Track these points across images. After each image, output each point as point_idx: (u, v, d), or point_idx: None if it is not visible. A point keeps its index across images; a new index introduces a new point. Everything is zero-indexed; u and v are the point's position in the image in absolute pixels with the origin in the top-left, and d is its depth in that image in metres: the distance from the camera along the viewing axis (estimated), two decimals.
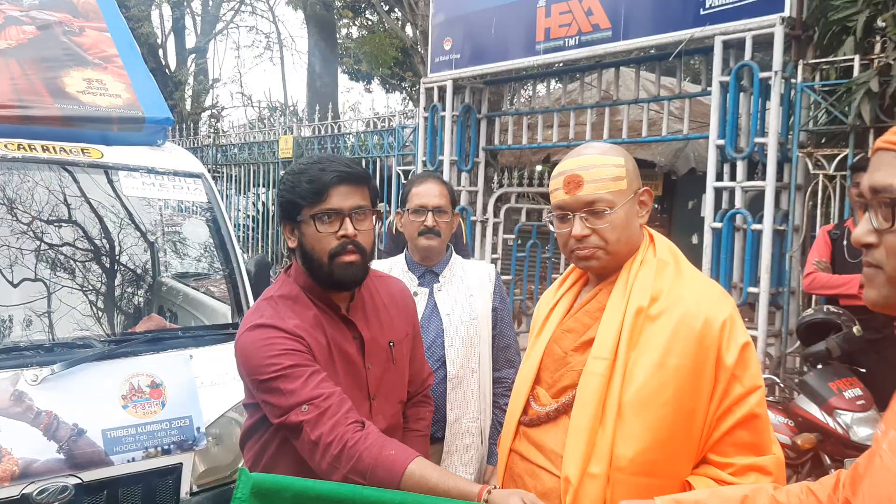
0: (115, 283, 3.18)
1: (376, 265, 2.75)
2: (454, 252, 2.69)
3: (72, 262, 3.06)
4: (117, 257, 3.23)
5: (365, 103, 16.21)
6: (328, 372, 1.76)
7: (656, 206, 11.96)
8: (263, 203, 10.69)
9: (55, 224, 3.10)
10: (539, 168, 10.91)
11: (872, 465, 1.11)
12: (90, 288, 3.07)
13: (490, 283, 2.61)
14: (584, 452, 1.58)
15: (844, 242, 4.37)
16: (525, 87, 7.29)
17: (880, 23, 4.62)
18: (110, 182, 3.20)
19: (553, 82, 7.41)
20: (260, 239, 10.77)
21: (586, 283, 1.83)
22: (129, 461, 2.62)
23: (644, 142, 6.77)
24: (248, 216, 11.16)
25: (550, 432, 1.70)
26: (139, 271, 3.29)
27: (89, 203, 3.15)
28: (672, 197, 11.58)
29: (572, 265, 1.85)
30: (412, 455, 1.59)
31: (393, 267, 2.65)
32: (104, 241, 3.24)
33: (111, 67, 3.38)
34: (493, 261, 7.54)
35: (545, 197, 10.75)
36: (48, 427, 2.48)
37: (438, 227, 2.52)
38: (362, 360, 1.86)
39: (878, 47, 4.62)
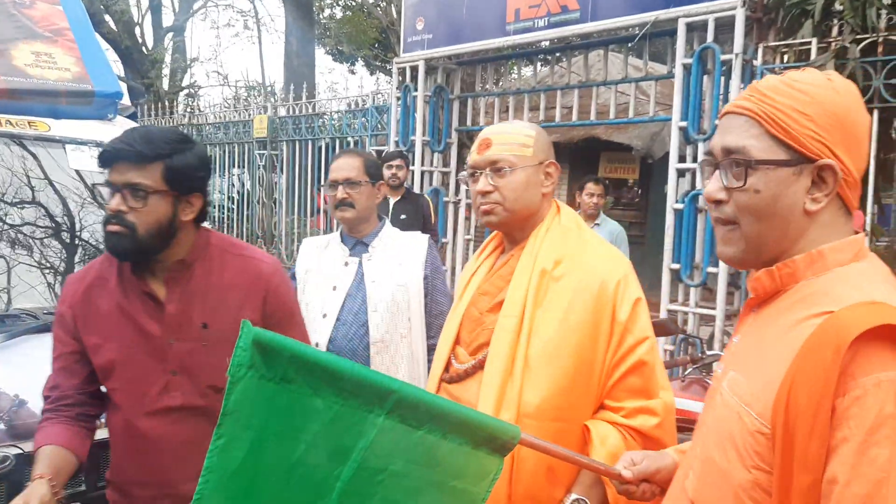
0: (61, 256, 3.19)
1: (315, 239, 2.81)
2: (388, 224, 2.78)
3: (16, 233, 3.07)
4: (63, 230, 3.24)
5: (346, 84, 16.20)
6: (110, 337, 1.84)
7: (636, 189, 12.02)
8: (242, 183, 10.67)
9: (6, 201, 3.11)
10: None
11: (713, 402, 1.21)
12: (34, 259, 3.08)
13: (422, 253, 2.68)
14: (496, 401, 1.72)
15: None
16: (498, 69, 7.28)
17: (838, 6, 4.66)
18: (59, 155, 3.20)
19: (531, 63, 7.40)
20: (236, 220, 10.76)
21: (503, 251, 1.97)
22: None
23: (612, 123, 6.81)
24: (226, 197, 11.13)
25: (468, 386, 1.82)
26: (86, 244, 3.30)
27: (34, 176, 3.15)
28: (648, 180, 11.63)
29: (491, 235, 2.02)
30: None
31: (331, 240, 2.75)
32: (50, 213, 3.24)
33: (61, 41, 3.37)
34: (466, 241, 7.58)
35: None
36: None
37: (351, 199, 2.64)
38: (162, 334, 1.86)
39: (835, 30, 4.67)
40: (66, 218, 3.31)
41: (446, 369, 1.92)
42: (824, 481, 0.96)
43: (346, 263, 2.64)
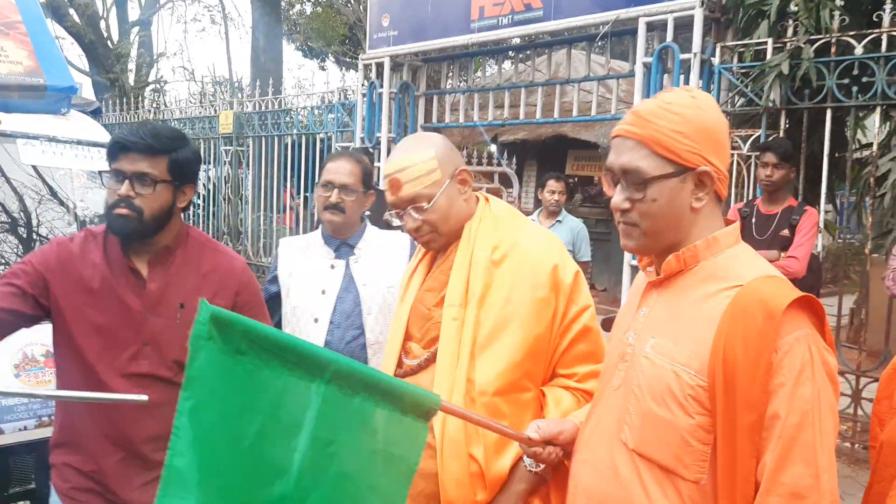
0: (17, 251, 3.15)
1: (294, 239, 2.79)
2: (369, 224, 2.75)
3: None
4: (19, 224, 3.21)
5: (315, 80, 16.09)
6: (93, 305, 2.02)
7: (598, 185, 12.13)
8: (210, 179, 10.58)
9: None
10: (493, 147, 10.99)
11: (638, 365, 1.42)
12: None
13: (405, 252, 2.67)
14: (448, 386, 1.78)
15: (753, 219, 4.54)
16: (463, 66, 7.32)
17: (793, 7, 4.76)
18: (12, 150, 3.16)
19: (497, 61, 7.43)
20: (202, 216, 10.67)
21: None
22: (20, 430, 2.62)
23: (576, 121, 6.87)
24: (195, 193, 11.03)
25: (423, 377, 1.87)
26: (43, 239, 3.27)
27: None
28: None
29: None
30: None
31: (311, 242, 2.70)
32: (6, 208, 3.21)
33: (14, 34, 3.33)
34: None
35: (487, 176, 10.83)
36: None
37: (343, 204, 2.58)
38: (141, 307, 2.06)
39: (790, 31, 4.76)
40: (21, 213, 3.27)
41: (399, 365, 1.96)
42: (767, 416, 1.24)
43: (333, 266, 2.62)
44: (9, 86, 3.20)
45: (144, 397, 1.75)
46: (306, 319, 2.58)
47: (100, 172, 2.00)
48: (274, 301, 2.69)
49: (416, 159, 1.86)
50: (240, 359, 1.41)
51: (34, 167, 3.28)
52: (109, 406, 2.04)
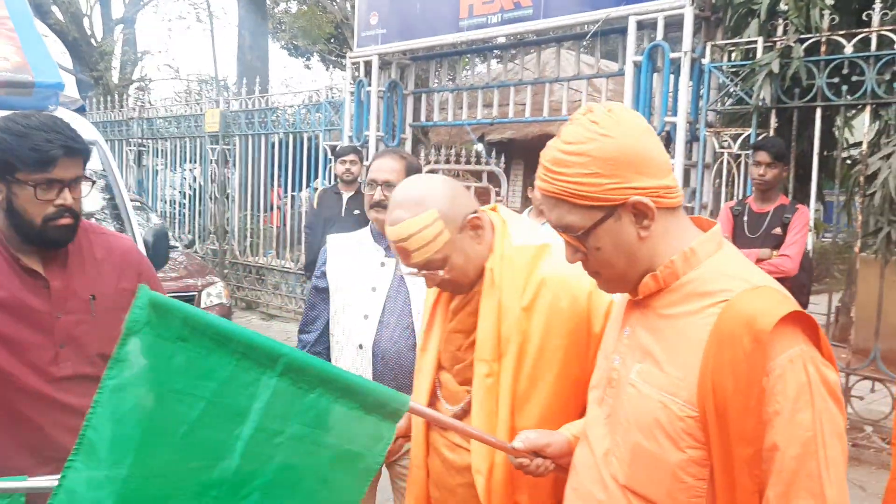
0: None
1: (344, 237, 2.77)
2: None
3: None
4: None
5: (301, 79, 16.03)
6: None
7: None
8: (194, 178, 10.50)
9: None
10: (480, 146, 10.97)
11: (624, 393, 1.31)
12: None
13: None
14: (488, 447, 1.69)
15: (745, 218, 4.55)
16: (452, 65, 7.30)
17: (783, 6, 4.77)
18: None
19: (485, 60, 7.42)
20: (188, 216, 10.59)
21: None
22: None
23: (564, 120, 6.86)
24: (178, 192, 10.95)
25: (465, 419, 1.80)
26: None
27: None
28: None
29: None
30: None
31: (362, 239, 2.68)
32: None
33: (1, 30, 3.27)
34: None
35: (475, 174, 10.83)
36: None
37: (388, 201, 2.55)
38: (49, 309, 1.93)
39: (780, 30, 4.78)
40: None
41: (431, 404, 1.89)
42: (765, 449, 1.13)
43: (383, 264, 2.59)
44: None
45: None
46: (356, 317, 2.55)
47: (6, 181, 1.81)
48: (320, 297, 2.69)
49: (419, 225, 1.73)
50: (182, 345, 1.38)
51: None
52: (35, 417, 1.90)
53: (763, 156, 4.35)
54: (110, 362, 1.35)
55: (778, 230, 4.35)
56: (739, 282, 1.21)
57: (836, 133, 5.07)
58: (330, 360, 2.71)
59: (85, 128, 3.50)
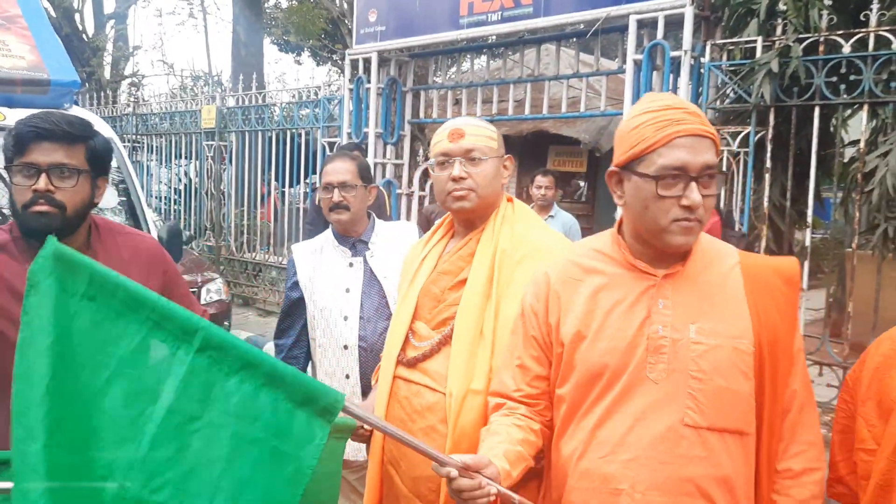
0: None
1: (306, 244, 2.81)
2: (377, 219, 2.80)
3: None
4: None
5: (293, 74, 15.94)
6: (16, 309, 1.75)
7: (585, 182, 12.22)
8: (187, 175, 10.49)
9: None
10: None
11: (692, 354, 1.50)
12: None
13: (416, 240, 2.71)
14: (466, 371, 1.80)
15: None
16: (451, 62, 7.33)
17: (782, 6, 4.84)
18: None
19: (482, 58, 7.47)
20: (183, 211, 10.57)
21: (453, 236, 2.09)
22: None
23: (563, 118, 6.92)
24: (171, 188, 10.93)
25: (435, 360, 1.91)
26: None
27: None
28: (596, 173, 11.83)
29: (438, 223, 2.15)
30: None
31: (324, 244, 2.74)
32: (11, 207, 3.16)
33: (15, 28, 3.29)
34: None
35: None
36: None
37: (346, 202, 2.64)
38: None
39: (779, 29, 4.85)
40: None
41: (405, 344, 1.97)
42: (795, 351, 1.55)
43: (351, 264, 2.67)
44: (13, 80, 3.17)
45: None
46: (335, 318, 2.61)
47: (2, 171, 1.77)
48: (296, 306, 2.73)
49: (482, 124, 2.00)
50: (88, 304, 1.25)
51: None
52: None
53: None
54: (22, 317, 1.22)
55: None
56: (728, 248, 1.62)
57: (835, 131, 5.15)
58: (309, 362, 2.78)
59: (98, 125, 3.52)
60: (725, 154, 5.10)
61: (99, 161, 1.91)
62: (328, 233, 2.78)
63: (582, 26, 5.96)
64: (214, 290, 6.94)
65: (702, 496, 1.48)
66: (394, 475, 1.94)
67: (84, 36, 15.51)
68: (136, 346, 1.26)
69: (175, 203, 10.79)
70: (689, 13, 5.11)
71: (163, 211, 10.84)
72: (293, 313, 2.77)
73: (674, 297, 1.53)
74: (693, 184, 1.47)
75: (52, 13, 14.48)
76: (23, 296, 1.66)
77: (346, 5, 9.89)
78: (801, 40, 4.73)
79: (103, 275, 1.27)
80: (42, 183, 1.80)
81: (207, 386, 1.28)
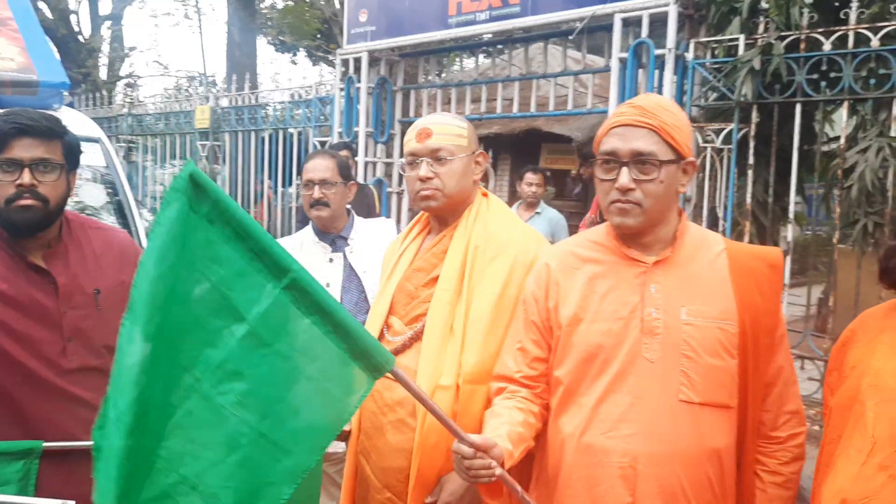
0: None
1: (288, 240, 2.88)
2: (356, 216, 2.87)
3: None
4: None
5: (288, 74, 16.00)
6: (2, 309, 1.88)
7: (577, 180, 12.28)
8: None
9: None
10: None
11: (683, 334, 1.66)
12: None
13: (394, 236, 2.79)
14: (435, 367, 1.86)
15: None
16: (440, 62, 7.40)
17: (764, 4, 4.91)
18: None
19: (473, 56, 7.54)
20: None
21: (429, 232, 2.13)
22: None
23: (552, 115, 6.98)
24: (167, 188, 10.98)
25: (407, 355, 1.97)
26: None
27: None
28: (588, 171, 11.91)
29: (415, 218, 2.20)
30: None
31: (304, 240, 2.82)
32: None
33: (5, 31, 3.35)
34: None
35: None
36: None
37: (326, 199, 2.73)
38: (56, 305, 1.98)
39: (761, 27, 4.91)
40: None
41: (380, 339, 2.04)
42: (777, 336, 1.71)
43: (331, 260, 2.75)
44: (2, 82, 3.23)
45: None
46: None
47: None
48: None
49: (450, 121, 2.03)
50: (205, 224, 1.41)
51: None
52: (42, 406, 1.96)
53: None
54: (154, 227, 1.39)
55: None
56: (715, 237, 1.76)
57: (817, 128, 5.22)
58: None
59: (87, 125, 3.60)
60: (709, 151, 5.16)
61: (73, 156, 2.00)
62: (308, 229, 2.86)
63: (570, 24, 6.02)
64: None
65: (696, 468, 1.63)
66: (365, 466, 2.00)
67: (80, 37, 15.58)
68: (236, 271, 1.43)
69: None
70: (672, 11, 5.18)
71: (158, 211, 10.88)
72: None
73: (664, 282, 1.68)
74: (624, 168, 1.63)
75: (49, 14, 14.55)
76: (20, 287, 1.90)
77: (338, 5, 9.94)
78: (782, 38, 4.79)
79: (225, 203, 1.42)
80: (27, 178, 1.86)
81: (284, 320, 1.44)
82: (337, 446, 2.54)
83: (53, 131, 1.93)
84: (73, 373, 2.00)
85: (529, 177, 5.97)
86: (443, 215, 2.05)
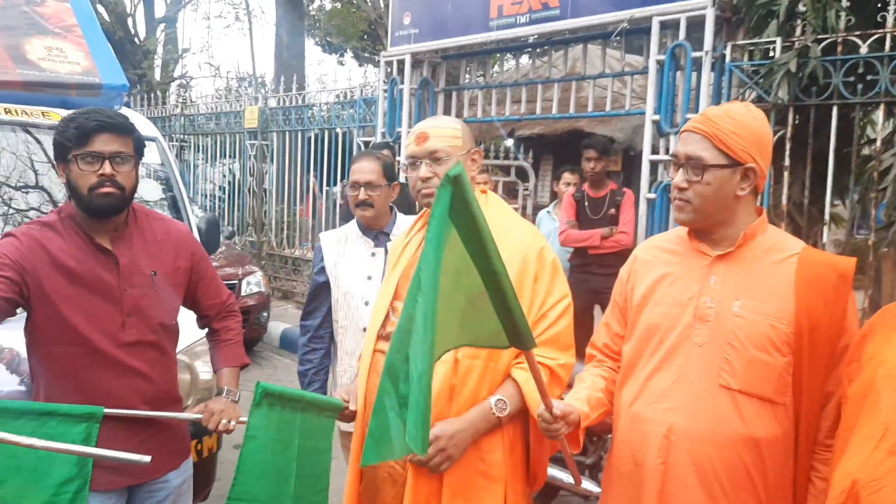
0: None
1: (333, 233, 3.06)
2: (399, 213, 3.04)
3: (22, 217, 3.27)
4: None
5: (334, 76, 16.32)
6: (72, 285, 2.12)
7: (619, 180, 12.28)
8: (231, 173, 10.87)
9: (22, 188, 3.33)
10: (510, 142, 11.19)
11: (732, 325, 1.77)
12: None
13: None
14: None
15: (585, 203, 5.71)
16: (483, 63, 7.54)
17: (801, 8, 4.94)
18: None
19: (514, 58, 7.65)
20: (227, 209, 10.96)
21: None
22: None
23: (593, 116, 7.07)
24: (217, 186, 11.33)
25: None
26: None
27: (51, 163, 3.38)
28: (631, 172, 11.91)
29: (420, 213, 2.36)
30: None
31: (349, 234, 3.00)
32: (53, 198, 3.45)
33: (70, 36, 3.60)
34: None
35: (503, 169, 11.00)
36: (10, 362, 2.74)
37: (371, 200, 2.91)
38: (118, 283, 2.20)
39: (798, 30, 4.95)
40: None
41: (383, 326, 2.20)
42: (840, 347, 1.74)
43: (374, 254, 2.92)
44: (68, 84, 3.48)
45: (147, 458, 1.81)
46: (357, 303, 2.85)
47: (58, 165, 2.12)
48: (322, 290, 2.98)
49: (446, 124, 2.19)
50: (278, 409, 2.11)
51: None
52: (102, 375, 2.16)
53: (591, 152, 5.61)
54: (250, 420, 2.07)
55: (613, 211, 5.52)
56: (794, 242, 1.83)
57: (854, 130, 5.22)
58: (334, 342, 3.02)
59: (144, 125, 3.83)
60: None
61: (140, 150, 2.23)
62: (353, 224, 3.03)
63: (616, 26, 6.10)
64: (254, 283, 7.26)
65: (730, 451, 1.75)
66: None
67: (136, 39, 16.09)
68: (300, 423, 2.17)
69: (220, 200, 11.19)
70: (710, 15, 5.23)
71: (208, 208, 11.23)
72: (319, 297, 3.03)
73: (724, 275, 1.81)
74: (680, 169, 1.81)
75: (107, 18, 15.06)
76: (63, 268, 2.12)
77: (383, 7, 10.15)
78: (819, 41, 4.82)
79: (285, 392, 2.13)
80: (108, 168, 2.10)
81: (315, 427, 2.24)
82: (348, 426, 2.69)
83: (127, 127, 2.16)
84: (130, 346, 2.20)
85: (567, 176, 6.12)
86: None
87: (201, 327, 2.57)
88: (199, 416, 2.23)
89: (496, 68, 12.73)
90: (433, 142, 2.13)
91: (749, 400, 1.74)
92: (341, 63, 21.07)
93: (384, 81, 7.80)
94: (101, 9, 14.91)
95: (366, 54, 17.88)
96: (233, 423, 2.23)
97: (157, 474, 2.31)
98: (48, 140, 3.37)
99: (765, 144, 1.80)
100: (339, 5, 15.98)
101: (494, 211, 2.18)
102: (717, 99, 5.38)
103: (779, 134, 5.04)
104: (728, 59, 5.28)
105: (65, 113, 3.46)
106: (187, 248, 2.40)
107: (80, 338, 2.14)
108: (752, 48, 5.25)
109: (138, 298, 2.22)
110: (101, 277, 2.17)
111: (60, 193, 3.46)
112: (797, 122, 5.03)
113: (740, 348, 1.75)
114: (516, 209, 8.93)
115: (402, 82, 7.54)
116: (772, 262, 1.78)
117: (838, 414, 1.73)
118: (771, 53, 5.08)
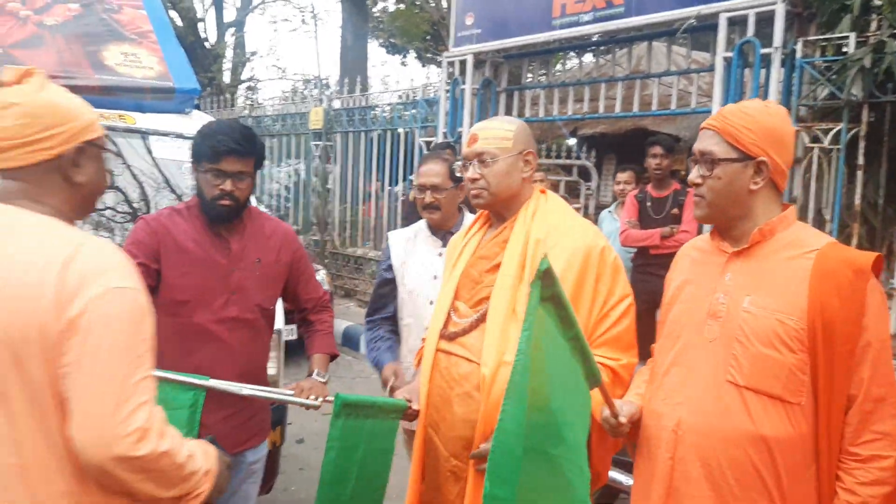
0: None
1: (401, 232, 3.12)
2: (467, 213, 3.07)
3: (99, 216, 3.42)
4: (140, 213, 3.59)
5: (397, 76, 16.52)
6: (191, 264, 2.47)
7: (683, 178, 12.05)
8: (297, 173, 11.08)
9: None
10: (572, 141, 11.11)
11: (741, 321, 1.74)
12: (115, 241, 3.42)
13: None
14: (499, 346, 2.03)
15: (648, 203, 5.60)
16: (546, 62, 7.51)
17: (877, 1, 4.78)
18: (145, 146, 3.58)
19: (577, 56, 7.61)
20: (292, 208, 11.18)
21: (490, 226, 2.32)
22: None
23: (656, 115, 6.97)
24: (282, 186, 11.57)
25: (471, 336, 2.15)
26: None
27: (125, 164, 3.52)
28: None
29: (477, 215, 2.40)
30: None
31: (418, 233, 3.04)
32: (140, 200, 3.60)
33: (145, 42, 3.74)
34: None
35: (565, 169, 10.92)
36: None
37: (437, 203, 2.94)
38: (228, 264, 2.53)
39: (873, 25, 4.78)
40: (143, 202, 3.67)
41: (445, 324, 2.23)
42: (860, 346, 1.66)
43: (440, 254, 2.92)
44: (143, 88, 3.62)
45: (317, 403, 2.35)
46: (422, 302, 2.88)
47: (193, 165, 2.50)
48: (388, 285, 3.02)
49: (497, 126, 2.22)
50: (354, 420, 2.19)
51: (153, 159, 3.68)
52: (193, 349, 2.43)
53: (657, 149, 5.52)
54: (330, 438, 2.14)
55: (676, 210, 5.42)
56: (819, 238, 1.77)
57: None
58: (399, 339, 3.06)
59: None
60: (816, 151, 5.06)
61: (260, 162, 2.55)
62: (423, 223, 3.06)
63: (675, 24, 6.01)
64: (319, 281, 7.37)
65: (737, 449, 1.72)
66: (434, 437, 2.19)
67: (206, 43, 16.55)
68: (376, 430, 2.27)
69: (285, 200, 11.42)
70: (780, 10, 5.10)
71: (274, 207, 11.48)
72: (385, 294, 3.07)
73: (738, 271, 1.79)
74: (696, 166, 1.82)
75: (179, 23, 15.54)
76: (182, 247, 2.49)
77: (445, 8, 10.20)
78: (895, 36, 4.65)
79: (356, 401, 2.20)
80: (229, 185, 2.43)
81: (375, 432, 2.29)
82: (411, 425, 2.72)
83: (251, 151, 2.47)
84: (229, 321, 2.49)
85: (619, 176, 6.10)
86: (495, 210, 2.25)
87: (299, 319, 2.85)
88: (292, 392, 2.42)
89: (558, 67, 12.66)
90: (481, 143, 2.17)
91: (757, 397, 1.71)
92: (404, 64, 21.27)
93: (446, 82, 7.84)
94: (173, 14, 15.40)
95: (428, 55, 17.98)
96: (319, 399, 2.38)
97: (236, 448, 2.50)
98: (124, 143, 3.52)
99: (780, 139, 1.77)
100: (402, 7, 16.13)
101: (554, 210, 2.19)
102: (786, 96, 5.24)
103: (853, 132, 4.89)
104: (799, 54, 5.14)
105: (139, 116, 3.65)
106: (290, 246, 2.71)
107: (185, 310, 2.44)
108: (824, 44, 5.10)
109: (243, 279, 2.53)
110: (213, 258, 2.50)
111: (135, 193, 3.60)
112: (872, 119, 4.86)
113: (747, 344, 1.73)
114: (578, 209, 8.87)
115: (464, 82, 7.56)
116: (787, 257, 1.74)
117: (866, 421, 1.67)
118: (844, 49, 4.92)
